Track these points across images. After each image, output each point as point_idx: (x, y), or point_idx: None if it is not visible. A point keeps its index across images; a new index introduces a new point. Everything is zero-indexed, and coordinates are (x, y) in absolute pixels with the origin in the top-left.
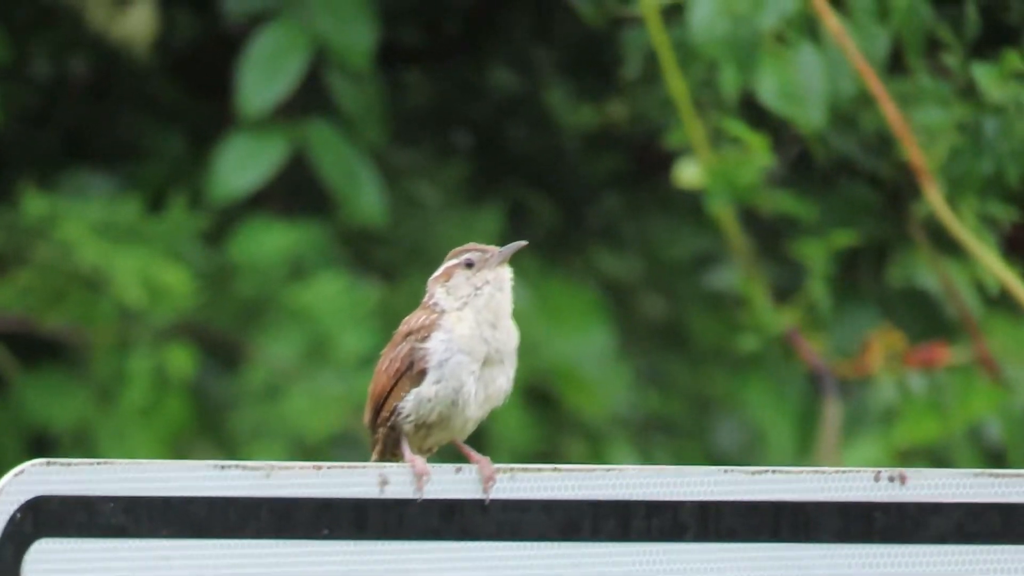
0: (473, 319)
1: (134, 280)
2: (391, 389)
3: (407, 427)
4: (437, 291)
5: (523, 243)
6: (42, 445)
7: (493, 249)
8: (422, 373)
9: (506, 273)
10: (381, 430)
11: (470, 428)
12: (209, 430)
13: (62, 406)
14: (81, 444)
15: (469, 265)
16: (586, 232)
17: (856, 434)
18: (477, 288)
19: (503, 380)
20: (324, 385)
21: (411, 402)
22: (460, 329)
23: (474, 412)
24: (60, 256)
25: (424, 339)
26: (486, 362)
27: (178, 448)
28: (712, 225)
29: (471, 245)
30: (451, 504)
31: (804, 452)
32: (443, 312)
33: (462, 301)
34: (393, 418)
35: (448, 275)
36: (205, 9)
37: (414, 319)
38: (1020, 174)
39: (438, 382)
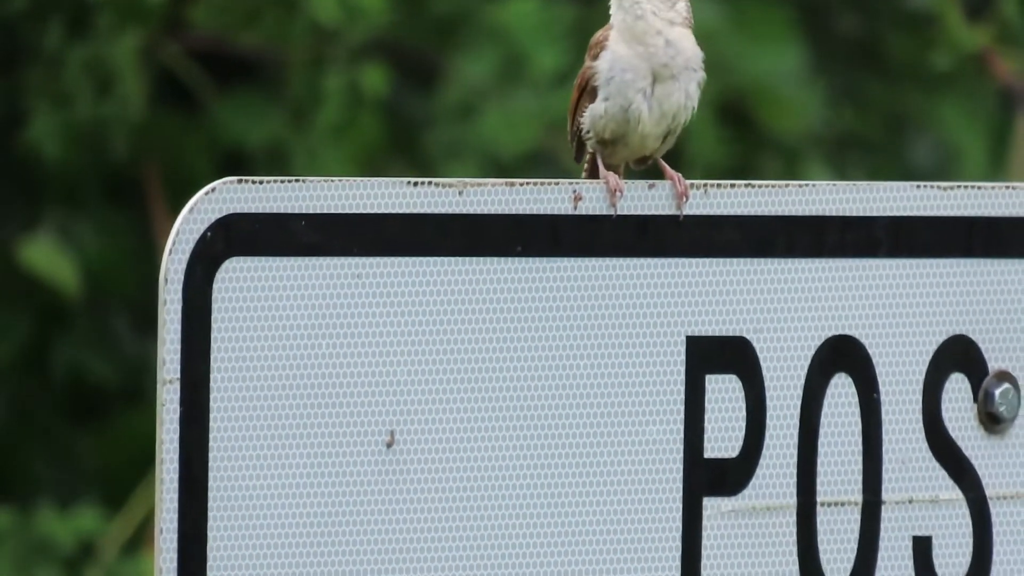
0: (629, 36)
1: None
2: (576, 104)
3: (589, 143)
4: (612, 4)
5: None
6: (235, 164)
7: None
8: (594, 91)
9: None
10: (574, 144)
11: (651, 144)
12: (403, 149)
13: (255, 125)
14: (274, 163)
15: None
16: None
17: None
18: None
19: (679, 95)
20: (519, 103)
21: (588, 118)
22: (619, 48)
23: (651, 128)
24: None
25: (596, 56)
26: (657, 78)
27: (371, 167)
28: None
29: None
30: (644, 220)
31: (997, 168)
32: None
33: (619, 18)
34: (578, 133)
35: None
36: None
37: (595, 36)
38: None
39: (607, 100)
